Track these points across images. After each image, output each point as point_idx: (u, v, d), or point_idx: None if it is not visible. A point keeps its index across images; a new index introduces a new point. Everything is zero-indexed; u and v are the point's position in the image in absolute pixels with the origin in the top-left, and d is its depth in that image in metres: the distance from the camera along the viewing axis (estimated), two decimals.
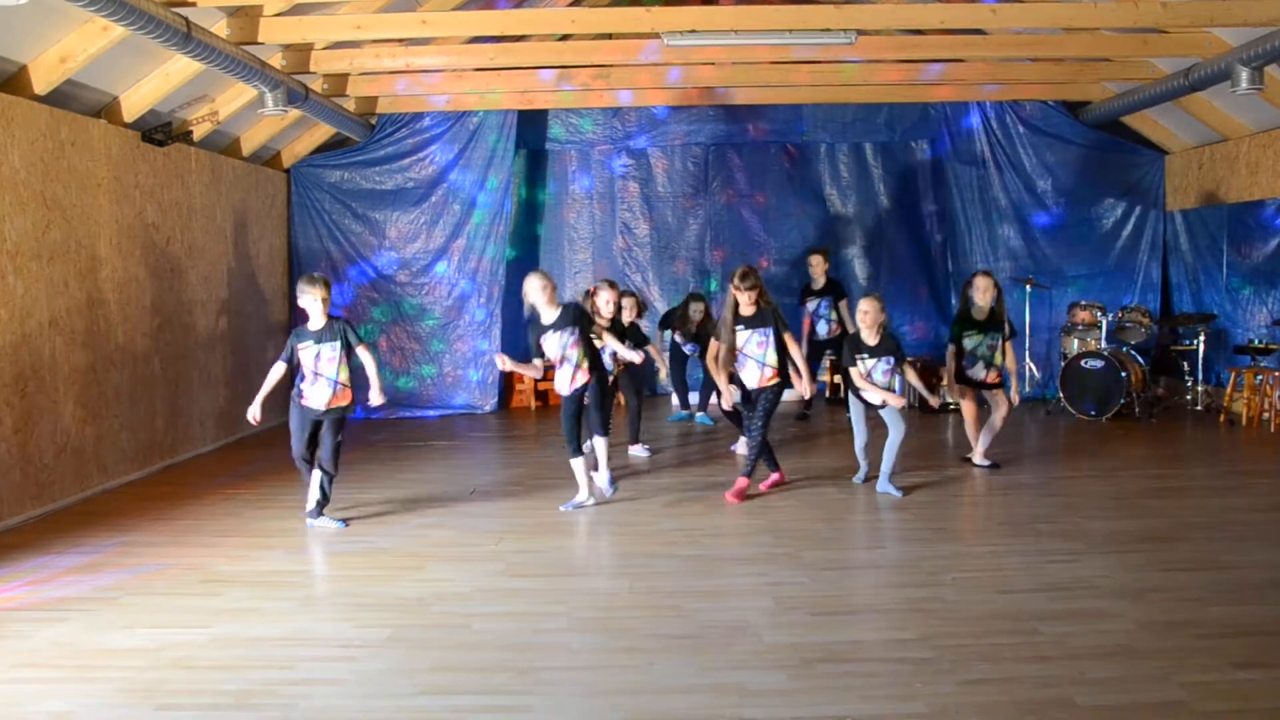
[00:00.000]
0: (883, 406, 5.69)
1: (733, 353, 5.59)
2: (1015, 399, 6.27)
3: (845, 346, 5.86)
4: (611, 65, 8.02)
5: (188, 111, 6.89)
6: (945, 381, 6.37)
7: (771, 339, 5.54)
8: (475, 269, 9.08)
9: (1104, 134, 9.16)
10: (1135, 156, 9.26)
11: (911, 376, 5.80)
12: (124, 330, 6.26)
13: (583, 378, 5.34)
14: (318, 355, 5.04)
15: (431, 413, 9.02)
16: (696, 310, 8.21)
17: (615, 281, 6.72)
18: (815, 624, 3.63)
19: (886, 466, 5.72)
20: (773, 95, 8.86)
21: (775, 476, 5.87)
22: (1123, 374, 7.94)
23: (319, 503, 5.16)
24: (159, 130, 6.49)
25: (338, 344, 5.05)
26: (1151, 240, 9.27)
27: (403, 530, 5.08)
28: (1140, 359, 8.36)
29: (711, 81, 8.36)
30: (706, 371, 7.04)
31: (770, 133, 9.76)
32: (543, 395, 9.65)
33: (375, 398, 5.15)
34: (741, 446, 6.67)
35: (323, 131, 8.76)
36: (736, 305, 5.57)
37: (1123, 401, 7.97)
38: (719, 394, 5.76)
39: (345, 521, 5.20)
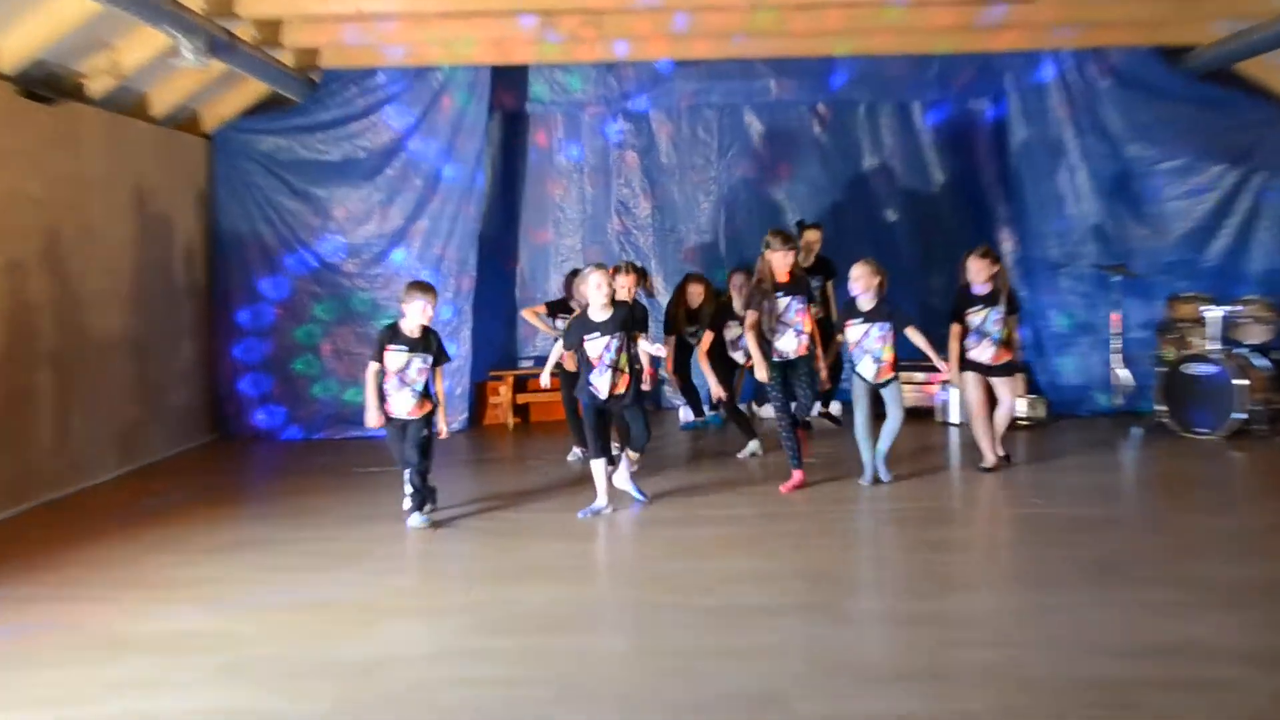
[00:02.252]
0: (883, 384, 6.46)
1: (774, 319, 6.34)
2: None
3: (841, 311, 6.67)
4: (604, 10, 7.99)
5: (82, 62, 6.82)
6: (948, 368, 6.82)
7: (807, 307, 6.44)
8: (440, 257, 9.06)
9: (1212, 86, 9.04)
10: (1252, 114, 9.09)
11: (918, 339, 6.48)
12: None
13: (623, 383, 6.01)
14: (408, 364, 5.78)
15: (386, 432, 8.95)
16: (695, 294, 8.34)
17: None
18: (859, 693, 3.59)
19: (883, 446, 6.54)
20: (800, 46, 8.83)
21: (797, 476, 6.51)
22: (1238, 382, 7.86)
23: (414, 499, 5.88)
24: (45, 84, 6.43)
25: (430, 358, 5.83)
26: (1274, 217, 9.13)
27: (350, 577, 5.04)
28: (1262, 363, 8.23)
29: (725, 29, 8.34)
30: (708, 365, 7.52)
31: (797, 91, 9.75)
32: (522, 410, 9.63)
33: (442, 427, 5.99)
34: (747, 452, 7.57)
35: (253, 89, 8.73)
36: (773, 270, 6.34)
37: (1239, 416, 7.88)
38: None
39: (432, 521, 5.91)
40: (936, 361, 6.59)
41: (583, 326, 5.97)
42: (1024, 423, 8.44)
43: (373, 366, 5.83)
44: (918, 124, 10.03)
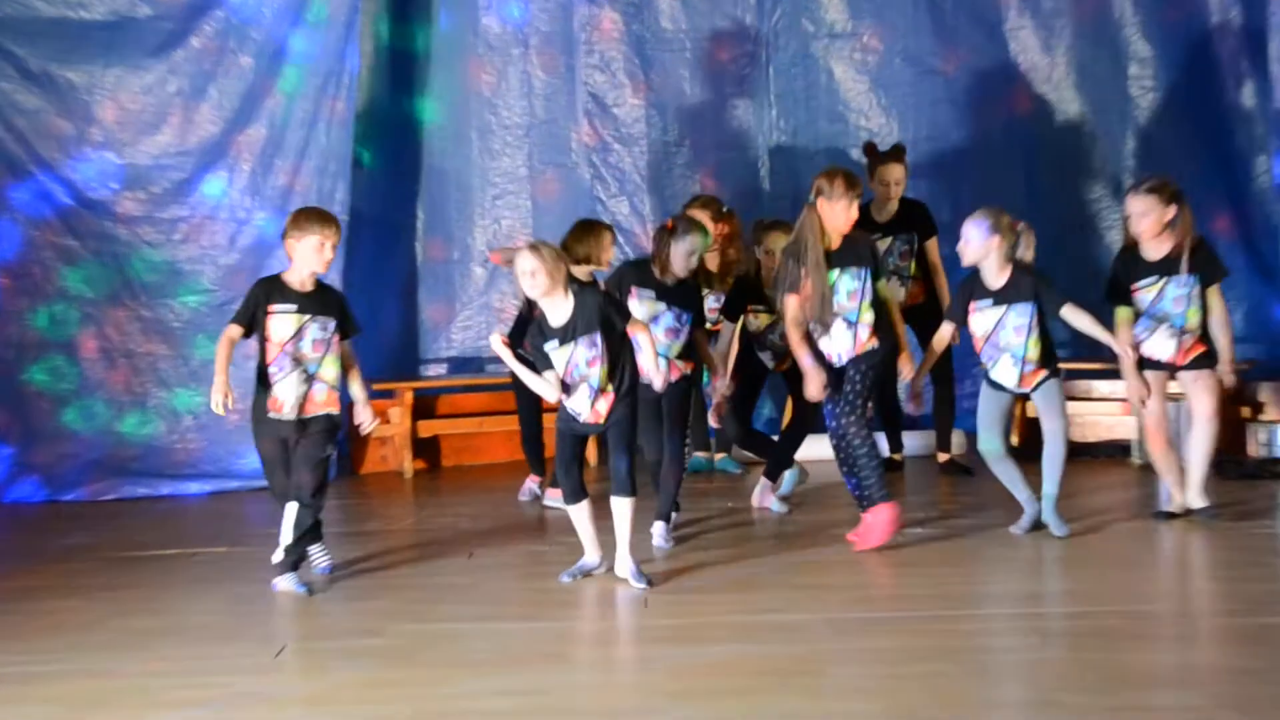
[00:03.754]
0: (1026, 392, 6.96)
1: (826, 307, 6.79)
2: (1229, 373, 7.16)
3: (957, 292, 7.17)
4: None
5: None
6: (1125, 374, 7.26)
7: (870, 284, 6.84)
8: (288, 189, 9.30)
9: None
10: None
11: (1080, 319, 6.87)
12: None
13: (605, 404, 6.40)
14: (299, 333, 6.31)
15: (195, 486, 9.18)
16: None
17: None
18: None
19: (1049, 488, 7.00)
20: None
21: (885, 512, 6.91)
22: None
23: (290, 551, 6.37)
24: None
25: (332, 324, 6.38)
26: None
27: None
28: None
29: None
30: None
31: None
32: (428, 447, 10.01)
33: (364, 416, 6.57)
34: (763, 499, 8.18)
35: None
36: (823, 231, 6.76)
37: None
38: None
39: (330, 567, 6.67)
40: (1113, 345, 6.99)
41: (538, 333, 6.43)
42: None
43: (231, 331, 6.29)
44: None
